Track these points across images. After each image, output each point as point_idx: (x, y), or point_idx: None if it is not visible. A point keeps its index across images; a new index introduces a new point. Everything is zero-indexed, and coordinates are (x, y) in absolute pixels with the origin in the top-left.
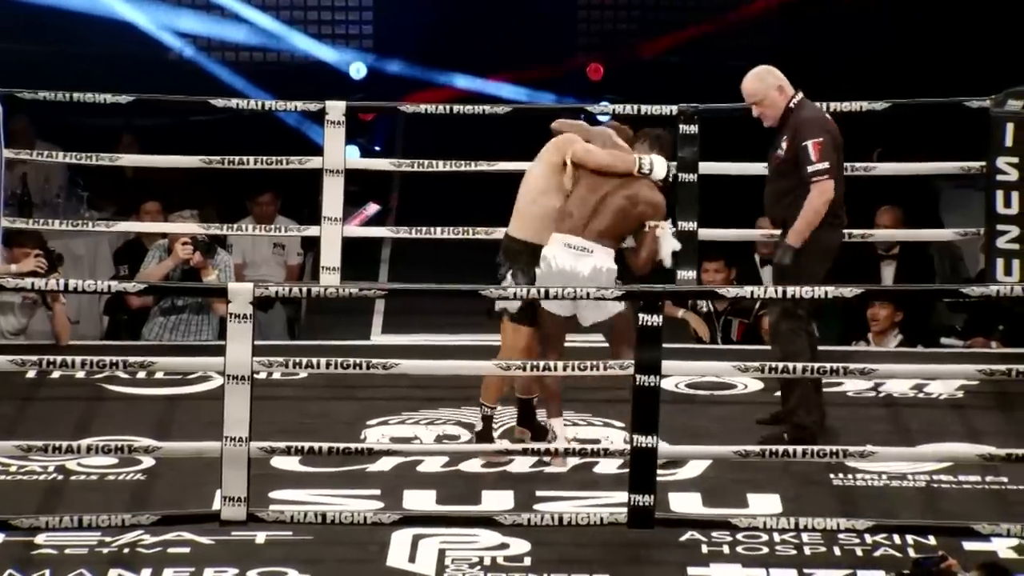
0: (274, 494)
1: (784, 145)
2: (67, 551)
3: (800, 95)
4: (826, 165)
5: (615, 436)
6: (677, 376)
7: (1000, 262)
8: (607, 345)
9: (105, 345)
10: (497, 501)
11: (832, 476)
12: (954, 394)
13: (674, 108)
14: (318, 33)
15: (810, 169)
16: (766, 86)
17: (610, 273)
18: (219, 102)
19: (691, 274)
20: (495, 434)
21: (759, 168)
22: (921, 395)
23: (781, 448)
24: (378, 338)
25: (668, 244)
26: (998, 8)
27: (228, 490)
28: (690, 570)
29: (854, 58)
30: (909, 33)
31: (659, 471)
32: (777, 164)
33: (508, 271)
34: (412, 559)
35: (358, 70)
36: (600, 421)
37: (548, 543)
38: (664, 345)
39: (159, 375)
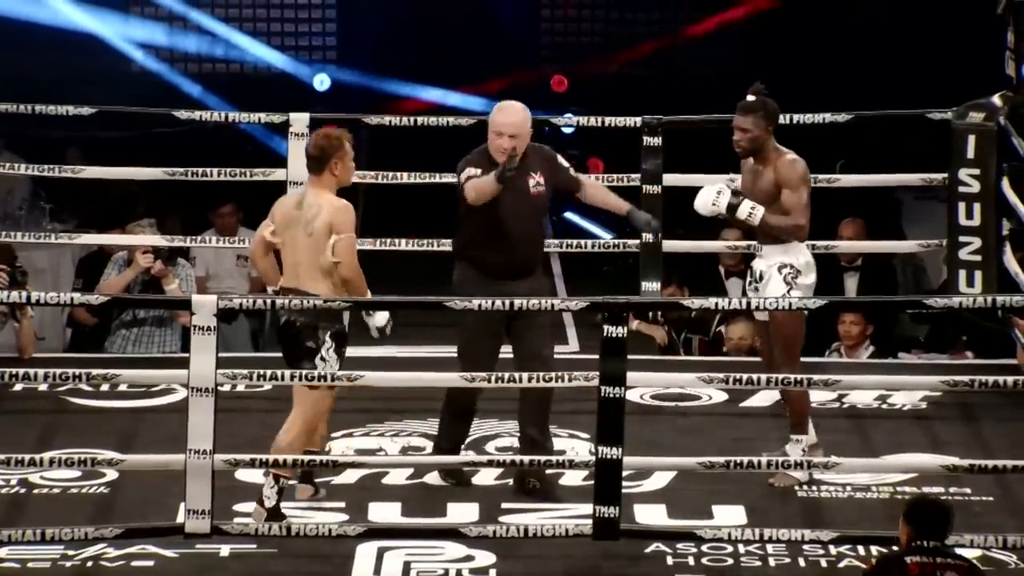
0: (238, 507)
1: (541, 179)
2: (30, 565)
3: None
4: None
5: (580, 447)
6: (642, 388)
7: (963, 273)
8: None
9: (68, 358)
10: (462, 513)
11: (796, 487)
12: (918, 405)
13: (638, 120)
14: (281, 45)
15: (574, 172)
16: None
17: None
18: (183, 114)
19: (656, 286)
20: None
21: (724, 180)
22: (885, 406)
23: (746, 459)
24: None
25: None
26: (960, 20)
27: (192, 503)
28: None
29: (813, 70)
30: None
31: (624, 482)
32: (538, 196)
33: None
34: (377, 572)
35: (322, 81)
36: (565, 432)
37: (514, 555)
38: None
39: (122, 388)
